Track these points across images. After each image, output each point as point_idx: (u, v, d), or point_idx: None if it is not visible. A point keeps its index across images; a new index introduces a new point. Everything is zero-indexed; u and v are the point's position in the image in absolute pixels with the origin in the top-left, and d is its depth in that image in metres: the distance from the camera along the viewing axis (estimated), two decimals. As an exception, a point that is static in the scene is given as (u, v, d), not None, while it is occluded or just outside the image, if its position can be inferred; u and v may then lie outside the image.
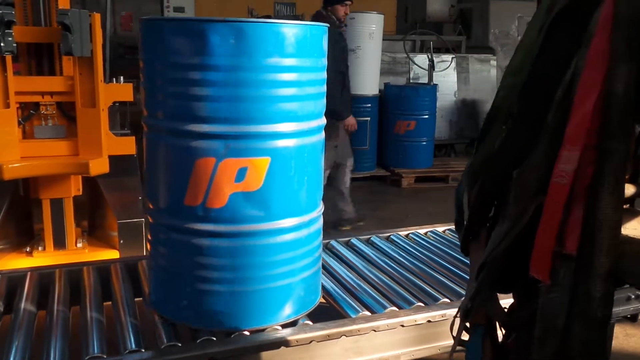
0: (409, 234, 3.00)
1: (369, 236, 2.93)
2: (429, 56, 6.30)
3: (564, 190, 0.83)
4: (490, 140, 1.08)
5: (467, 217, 1.14)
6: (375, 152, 6.40)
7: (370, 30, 6.01)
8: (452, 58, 6.83)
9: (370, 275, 2.43)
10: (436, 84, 6.34)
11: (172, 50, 1.78)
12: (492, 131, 1.09)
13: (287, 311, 1.95)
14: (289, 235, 1.92)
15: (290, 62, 1.78)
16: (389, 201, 5.78)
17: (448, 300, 2.15)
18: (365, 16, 5.97)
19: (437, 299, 2.14)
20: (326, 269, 2.42)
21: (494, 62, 7.09)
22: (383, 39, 6.30)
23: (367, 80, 6.14)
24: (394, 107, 6.32)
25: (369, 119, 6.20)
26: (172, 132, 1.82)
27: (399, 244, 2.88)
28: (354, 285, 2.30)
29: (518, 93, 0.98)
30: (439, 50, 6.95)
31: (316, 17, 4.26)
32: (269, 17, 7.22)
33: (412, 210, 5.58)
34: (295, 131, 1.85)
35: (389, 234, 2.99)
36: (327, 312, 2.16)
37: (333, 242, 2.82)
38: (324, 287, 2.21)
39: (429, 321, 1.99)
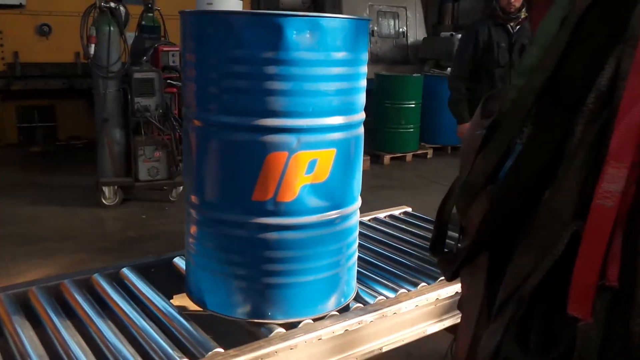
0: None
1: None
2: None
3: (609, 214, 0.73)
4: (495, 149, 0.92)
5: (467, 240, 0.99)
6: None
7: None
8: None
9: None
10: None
11: (244, 44, 1.76)
12: (497, 139, 0.92)
13: (337, 299, 2.09)
14: (349, 222, 2.05)
15: (354, 56, 1.90)
16: None
17: (362, 306, 2.15)
18: (222, 3, 5.75)
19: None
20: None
21: (349, 50, 7.05)
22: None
23: None
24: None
25: None
26: (239, 128, 1.82)
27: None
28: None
29: (537, 96, 0.84)
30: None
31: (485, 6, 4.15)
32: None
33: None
34: (353, 122, 1.97)
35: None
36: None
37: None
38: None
39: (346, 330, 1.99)
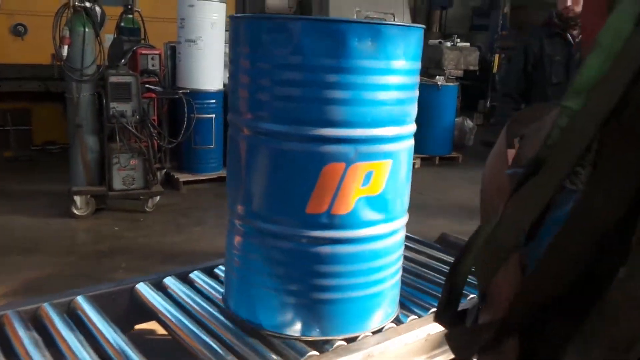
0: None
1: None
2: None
3: None
4: (535, 197, 0.68)
5: (491, 314, 0.77)
6: (222, 152, 5.96)
7: (211, 20, 5.39)
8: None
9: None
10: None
11: (303, 51, 1.73)
12: (538, 183, 0.68)
13: (382, 315, 2.06)
14: (398, 235, 2.04)
15: (411, 65, 1.88)
16: None
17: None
18: (205, 4, 5.59)
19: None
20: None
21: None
22: (225, 30, 6.07)
23: (211, 74, 5.66)
24: None
25: (213, 116, 5.70)
26: (296, 137, 1.78)
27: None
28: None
29: (601, 124, 0.60)
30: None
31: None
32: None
33: None
34: (407, 133, 1.95)
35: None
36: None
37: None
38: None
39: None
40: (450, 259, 2.58)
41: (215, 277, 2.50)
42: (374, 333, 1.99)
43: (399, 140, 1.89)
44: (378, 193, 1.86)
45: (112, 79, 4.94)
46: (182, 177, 6.03)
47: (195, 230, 4.95)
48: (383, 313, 2.03)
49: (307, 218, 1.81)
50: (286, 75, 1.76)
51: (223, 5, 5.88)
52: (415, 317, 2.12)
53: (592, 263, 0.62)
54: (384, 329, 2.01)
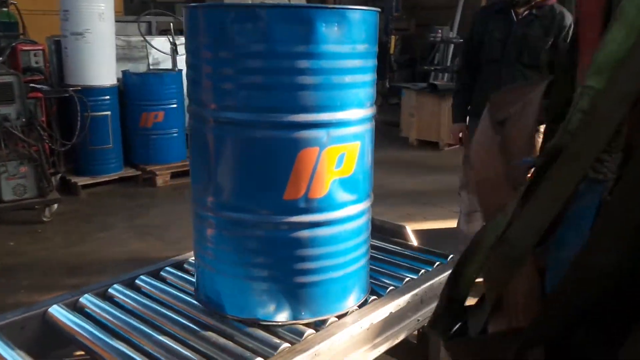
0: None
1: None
2: (170, 39, 5.58)
3: None
4: (554, 193, 0.61)
5: (504, 322, 0.71)
6: (121, 150, 5.74)
7: (99, 11, 5.05)
8: (193, 40, 6.16)
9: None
10: (181, 69, 5.67)
11: (273, 38, 1.75)
12: (558, 176, 0.60)
13: (358, 295, 2.12)
14: (367, 215, 2.11)
15: (371, 48, 1.94)
16: (146, 205, 5.12)
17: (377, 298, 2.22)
18: None
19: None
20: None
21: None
22: (115, 21, 5.89)
23: (102, 68, 5.33)
24: (137, 98, 5.73)
25: (109, 113, 5.51)
26: (268, 125, 1.81)
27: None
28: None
29: (631, 105, 0.54)
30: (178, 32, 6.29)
31: None
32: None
33: (176, 213, 5.26)
34: (370, 115, 2.01)
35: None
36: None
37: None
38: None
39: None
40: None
41: (137, 289, 2.33)
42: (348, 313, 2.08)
43: (365, 122, 1.97)
44: (350, 175, 1.93)
45: (-10, 79, 4.47)
46: (80, 181, 5.67)
47: (102, 237, 4.66)
48: (359, 291, 2.12)
49: (285, 204, 1.85)
50: (256, 64, 1.77)
51: None
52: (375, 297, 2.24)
53: (628, 269, 0.56)
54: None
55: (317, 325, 1.99)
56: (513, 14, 3.18)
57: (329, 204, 1.90)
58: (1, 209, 4.72)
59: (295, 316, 1.97)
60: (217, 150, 1.89)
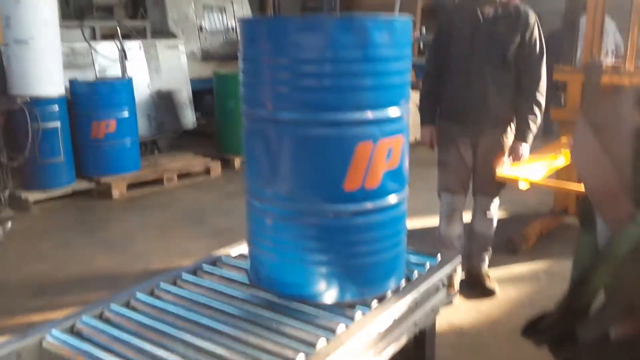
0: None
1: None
2: (118, 45, 5.43)
3: None
4: None
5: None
6: (73, 163, 5.52)
7: (43, 17, 4.88)
8: (140, 45, 6.04)
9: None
10: (131, 77, 5.55)
11: (334, 45, 2.00)
12: None
13: (399, 275, 2.40)
14: (406, 201, 2.37)
15: (409, 52, 2.25)
16: (104, 218, 5.01)
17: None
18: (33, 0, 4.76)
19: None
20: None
21: (182, 48, 6.65)
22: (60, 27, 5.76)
23: (50, 77, 5.22)
24: (86, 108, 5.67)
25: (58, 124, 5.32)
26: (327, 123, 2.06)
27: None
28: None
29: None
30: (123, 36, 6.11)
31: None
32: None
33: (137, 225, 5.26)
34: (407, 112, 2.27)
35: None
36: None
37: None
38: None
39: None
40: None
41: (133, 308, 2.36)
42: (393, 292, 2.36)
43: (404, 118, 2.25)
44: (397, 166, 2.22)
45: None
46: (31, 196, 5.49)
47: (61, 254, 4.53)
48: (400, 271, 2.41)
49: (345, 194, 2.11)
50: (317, 69, 2.03)
51: (54, 1, 5.25)
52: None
53: None
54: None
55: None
56: (479, 13, 3.31)
57: (381, 192, 2.18)
58: (-49, 231, 4.44)
59: (350, 296, 2.23)
60: (280, 148, 2.14)
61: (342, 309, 2.22)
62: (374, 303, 2.27)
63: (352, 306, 2.24)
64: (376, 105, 2.10)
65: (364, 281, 2.25)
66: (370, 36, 2.01)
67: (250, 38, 2.17)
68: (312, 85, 2.04)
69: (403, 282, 2.42)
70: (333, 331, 2.07)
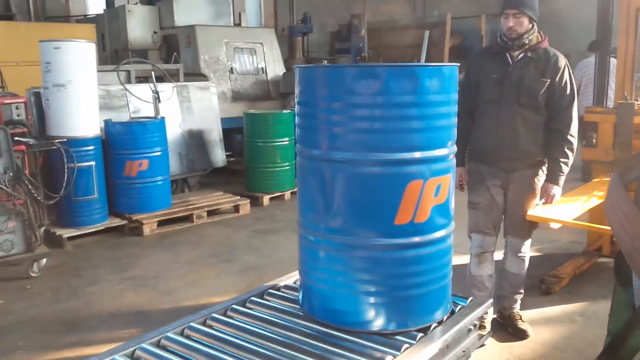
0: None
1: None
2: (152, 87, 5.61)
3: None
4: None
5: None
6: (106, 200, 5.80)
7: (82, 62, 5.04)
8: (173, 87, 6.21)
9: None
10: (164, 117, 5.67)
11: (387, 91, 2.18)
12: None
13: (445, 307, 2.52)
14: (452, 235, 2.52)
15: (455, 97, 2.41)
16: (135, 255, 5.09)
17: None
18: (72, 45, 5.21)
19: None
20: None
21: (213, 89, 6.82)
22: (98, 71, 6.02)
23: (86, 119, 5.48)
24: (120, 147, 5.82)
25: (93, 163, 5.53)
26: (384, 162, 2.22)
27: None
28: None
29: None
30: (157, 79, 6.29)
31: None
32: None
33: (166, 262, 5.37)
34: (455, 151, 2.45)
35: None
36: None
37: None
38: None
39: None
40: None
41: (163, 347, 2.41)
42: (438, 323, 2.48)
43: (452, 157, 2.43)
44: (444, 201, 2.37)
45: (-23, 135, 4.36)
46: (65, 233, 5.62)
47: (93, 291, 4.60)
48: (446, 303, 2.53)
49: (396, 228, 2.27)
50: (371, 112, 2.22)
51: (92, 45, 5.59)
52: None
53: None
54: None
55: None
56: (509, 57, 3.36)
57: (430, 227, 2.34)
58: (-12, 267, 4.55)
59: (399, 326, 2.37)
60: (335, 184, 2.31)
61: (388, 339, 2.34)
62: (419, 334, 2.39)
63: (394, 335, 2.37)
64: (426, 147, 2.27)
65: (410, 312, 2.38)
66: (420, 82, 2.20)
67: (307, 84, 2.36)
68: (366, 128, 2.23)
69: (450, 312, 2.57)
70: None
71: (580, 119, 3.88)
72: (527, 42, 3.30)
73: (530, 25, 3.31)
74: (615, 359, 0.83)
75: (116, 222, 6.00)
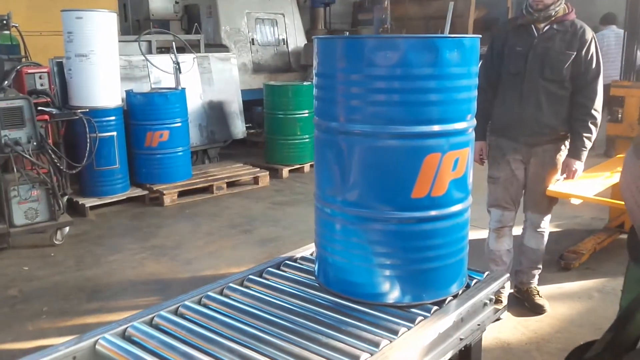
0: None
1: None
2: (173, 58, 5.61)
3: None
4: None
5: None
6: (127, 170, 5.83)
7: (103, 32, 5.05)
8: (194, 58, 6.19)
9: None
10: (184, 88, 5.68)
11: (408, 63, 2.14)
12: None
13: (461, 281, 2.52)
14: (469, 209, 2.49)
15: (476, 69, 2.35)
16: (155, 225, 5.20)
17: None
18: (94, 15, 5.25)
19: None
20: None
21: (234, 61, 6.79)
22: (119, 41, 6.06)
23: (107, 89, 5.53)
24: (141, 118, 5.84)
25: (115, 133, 5.63)
26: (399, 135, 2.19)
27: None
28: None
29: None
30: (178, 50, 6.29)
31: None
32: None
33: (186, 232, 5.46)
34: (473, 125, 2.41)
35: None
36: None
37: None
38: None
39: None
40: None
41: (181, 315, 2.41)
42: (454, 297, 2.48)
43: (471, 130, 2.39)
44: (462, 175, 2.34)
45: (1, 103, 4.41)
46: (88, 202, 5.69)
47: (115, 259, 4.69)
48: (462, 277, 2.52)
49: (413, 202, 2.25)
50: (390, 84, 2.18)
51: (114, 15, 5.60)
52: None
53: None
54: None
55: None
56: (534, 29, 3.30)
57: (447, 200, 2.31)
58: (13, 234, 4.70)
59: (414, 299, 2.36)
60: (352, 158, 2.29)
61: (403, 311, 2.34)
62: (433, 307, 2.38)
63: (409, 307, 2.37)
64: (445, 120, 2.23)
65: (425, 285, 2.38)
66: (440, 54, 2.15)
67: (326, 55, 2.33)
68: (385, 100, 2.20)
69: (460, 291, 2.55)
70: (396, 333, 2.19)
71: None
72: (553, 13, 3.23)
73: None
74: (623, 335, 0.83)
75: (137, 192, 6.10)
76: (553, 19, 3.25)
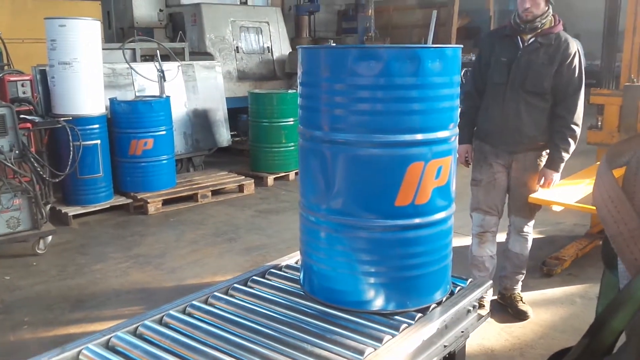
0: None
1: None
2: (157, 66, 5.60)
3: None
4: None
5: None
6: (111, 179, 5.85)
7: (87, 39, 5.04)
8: (179, 66, 6.18)
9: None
10: (169, 96, 5.67)
11: (390, 73, 2.16)
12: None
13: (445, 288, 2.54)
14: (453, 217, 2.51)
15: (458, 79, 2.38)
16: (139, 234, 5.16)
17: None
18: (78, 23, 5.17)
19: None
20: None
21: (219, 69, 6.78)
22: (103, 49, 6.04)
23: (91, 97, 5.50)
24: (126, 126, 5.85)
25: (98, 141, 5.64)
26: (382, 144, 2.22)
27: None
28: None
29: None
30: (162, 57, 6.28)
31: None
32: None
33: (171, 241, 5.45)
34: (457, 134, 2.44)
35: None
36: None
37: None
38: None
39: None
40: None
41: (165, 325, 2.41)
42: (437, 304, 2.50)
43: (454, 139, 2.43)
44: (445, 183, 2.37)
45: (-18, 112, 4.38)
46: (71, 211, 5.66)
47: (98, 269, 4.66)
48: (446, 284, 2.54)
49: (396, 210, 2.27)
50: (373, 94, 2.20)
51: (97, 23, 5.57)
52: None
53: None
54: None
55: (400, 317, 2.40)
56: (519, 40, 3.34)
57: (430, 208, 2.34)
58: (-5, 243, 4.61)
59: (398, 306, 2.38)
60: (336, 166, 2.32)
61: (387, 319, 2.36)
62: (417, 315, 2.41)
63: (393, 315, 2.38)
64: (428, 129, 2.26)
65: (409, 293, 2.40)
66: (422, 64, 2.18)
67: (310, 65, 2.35)
68: (368, 109, 2.22)
69: (449, 293, 2.58)
70: (380, 340, 2.21)
71: None
72: (539, 25, 3.27)
73: (547, 8, 3.28)
74: (598, 341, 0.85)
75: (121, 200, 6.06)
76: (539, 31, 3.28)
